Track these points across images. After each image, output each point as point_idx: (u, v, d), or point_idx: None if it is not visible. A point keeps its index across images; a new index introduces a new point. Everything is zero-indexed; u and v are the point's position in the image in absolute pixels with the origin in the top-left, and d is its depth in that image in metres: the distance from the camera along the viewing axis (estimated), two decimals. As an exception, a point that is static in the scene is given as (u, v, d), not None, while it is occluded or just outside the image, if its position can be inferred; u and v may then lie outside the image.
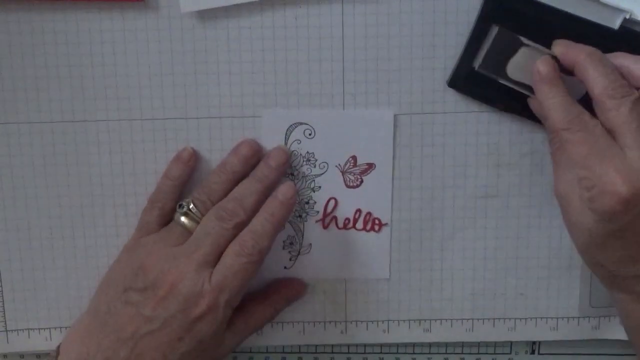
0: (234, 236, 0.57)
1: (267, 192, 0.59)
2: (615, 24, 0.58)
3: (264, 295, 0.63)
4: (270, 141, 0.61)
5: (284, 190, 0.59)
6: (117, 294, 0.58)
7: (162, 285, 0.56)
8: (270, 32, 0.60)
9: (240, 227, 0.57)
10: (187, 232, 0.59)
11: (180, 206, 0.59)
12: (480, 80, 0.59)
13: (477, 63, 0.59)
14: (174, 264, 0.56)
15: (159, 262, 0.57)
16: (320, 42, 0.60)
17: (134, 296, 0.57)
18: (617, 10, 0.57)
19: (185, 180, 0.61)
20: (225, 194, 0.59)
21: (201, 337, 0.56)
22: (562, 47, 0.56)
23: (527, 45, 0.57)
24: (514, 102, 0.60)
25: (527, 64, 0.57)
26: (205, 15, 0.59)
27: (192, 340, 0.56)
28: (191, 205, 0.59)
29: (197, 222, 0.58)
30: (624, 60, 0.55)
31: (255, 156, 0.60)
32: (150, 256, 0.58)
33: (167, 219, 0.60)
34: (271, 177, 0.59)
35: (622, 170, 0.50)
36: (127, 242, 0.61)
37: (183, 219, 0.59)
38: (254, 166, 0.60)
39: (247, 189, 0.59)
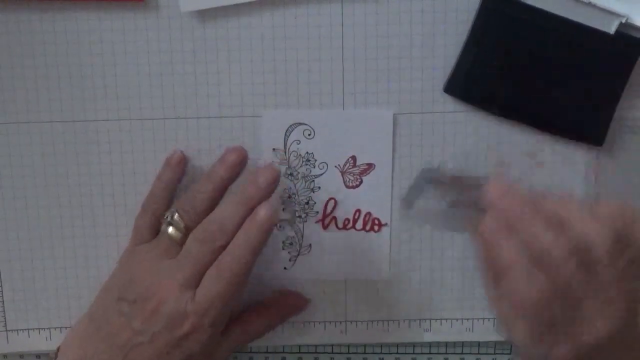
0: (215, 258, 0.56)
1: (252, 208, 0.57)
2: (611, 28, 0.58)
3: (263, 307, 0.63)
4: (270, 141, 0.61)
5: (262, 212, 0.56)
6: (111, 301, 0.58)
7: (149, 301, 0.56)
8: (270, 32, 0.60)
9: (221, 250, 0.56)
10: (175, 243, 0.58)
11: (165, 216, 0.59)
12: (476, 86, 0.60)
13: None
14: (160, 281, 0.56)
15: (148, 276, 0.57)
16: (320, 42, 0.60)
17: (125, 307, 0.57)
18: (613, 14, 0.58)
19: (175, 184, 0.61)
20: (211, 204, 0.58)
21: (190, 352, 0.56)
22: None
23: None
24: (511, 107, 0.60)
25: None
26: (205, 15, 0.59)
27: (181, 355, 0.56)
28: (175, 215, 0.58)
29: (182, 233, 0.58)
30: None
31: (242, 163, 0.60)
32: (141, 268, 0.58)
33: (159, 224, 0.60)
34: (257, 198, 0.56)
35: None
36: (126, 247, 0.61)
37: (170, 229, 0.58)
38: (240, 173, 0.60)
39: (231, 211, 0.56)
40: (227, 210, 0.57)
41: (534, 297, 0.47)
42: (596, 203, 0.49)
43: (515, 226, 0.48)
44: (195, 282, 0.56)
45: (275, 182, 0.57)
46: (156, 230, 0.60)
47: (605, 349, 0.48)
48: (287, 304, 0.64)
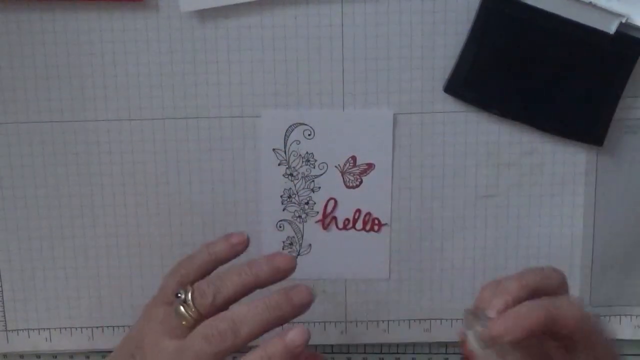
0: (214, 357, 0.51)
1: (276, 324, 0.51)
2: (611, 28, 0.58)
3: None
4: (270, 141, 0.61)
5: (294, 336, 0.49)
6: (126, 355, 0.56)
7: None
8: (270, 32, 0.60)
9: (226, 353, 0.51)
10: (184, 324, 0.53)
11: (179, 294, 0.54)
12: (476, 86, 0.60)
13: None
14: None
15: (152, 353, 0.54)
16: (319, 42, 0.60)
17: None
18: (613, 14, 0.58)
19: (220, 263, 0.56)
20: (233, 299, 0.53)
21: None
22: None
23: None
24: (510, 108, 0.60)
25: None
26: (205, 15, 0.59)
27: None
28: (189, 296, 0.53)
29: (193, 318, 0.53)
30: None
31: (288, 271, 0.54)
32: (149, 340, 0.55)
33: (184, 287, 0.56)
34: (284, 313, 0.51)
35: None
36: (149, 301, 0.58)
37: (181, 309, 0.53)
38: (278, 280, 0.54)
39: (251, 316, 0.50)
40: (247, 313, 0.51)
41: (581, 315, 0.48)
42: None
43: None
44: None
45: (309, 304, 0.52)
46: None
47: None
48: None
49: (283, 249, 0.64)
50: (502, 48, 0.59)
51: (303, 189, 0.63)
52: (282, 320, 0.51)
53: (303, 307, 0.51)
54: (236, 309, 0.51)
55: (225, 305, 0.53)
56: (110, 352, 0.64)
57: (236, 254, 0.56)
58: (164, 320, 0.54)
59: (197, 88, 0.61)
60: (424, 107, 0.61)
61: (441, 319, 0.65)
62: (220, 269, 0.56)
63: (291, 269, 0.53)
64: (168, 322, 0.54)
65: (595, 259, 0.64)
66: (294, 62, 0.60)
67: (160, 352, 0.54)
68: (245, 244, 0.56)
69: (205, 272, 0.56)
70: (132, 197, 0.62)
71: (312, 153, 0.62)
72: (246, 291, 0.53)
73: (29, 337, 0.65)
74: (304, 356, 0.55)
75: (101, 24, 0.59)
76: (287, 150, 0.62)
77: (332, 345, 0.67)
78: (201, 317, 0.53)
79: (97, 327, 0.65)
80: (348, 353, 0.67)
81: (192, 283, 0.54)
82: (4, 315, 0.64)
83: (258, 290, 0.54)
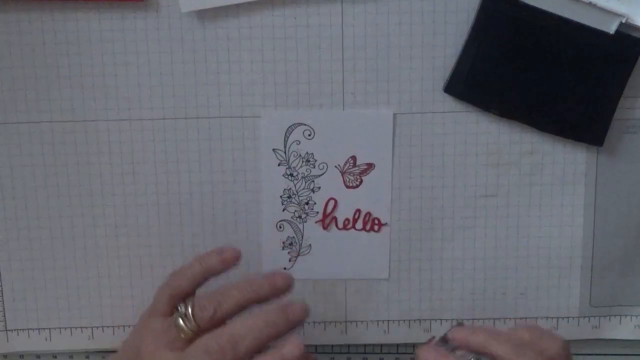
0: None
1: (272, 339, 0.54)
2: (611, 28, 0.58)
3: None
4: (270, 141, 0.61)
5: (291, 349, 0.52)
6: None
7: None
8: (270, 32, 0.60)
9: None
10: (183, 337, 0.54)
11: (179, 308, 0.55)
12: (476, 87, 0.60)
13: None
14: None
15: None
16: (320, 42, 0.60)
17: None
18: (613, 14, 0.58)
19: (212, 276, 0.57)
20: (232, 314, 0.55)
21: None
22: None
23: None
24: (510, 108, 0.60)
25: None
26: (205, 15, 0.59)
27: None
28: (189, 311, 0.54)
29: (193, 331, 0.54)
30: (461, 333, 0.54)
31: (284, 289, 0.56)
32: (146, 351, 0.55)
33: (176, 301, 0.57)
34: (282, 328, 0.53)
35: None
36: (143, 313, 0.59)
37: (180, 322, 0.54)
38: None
39: (250, 331, 0.52)
40: (246, 328, 0.53)
41: None
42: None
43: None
44: None
45: (303, 322, 0.54)
46: (173, 306, 0.56)
47: None
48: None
49: (283, 249, 0.64)
50: (502, 48, 0.59)
51: (303, 189, 0.63)
52: (278, 335, 0.53)
53: (298, 324, 0.54)
54: (236, 325, 0.53)
55: (223, 321, 0.54)
56: (110, 352, 0.64)
57: (228, 268, 0.57)
58: (161, 332, 0.55)
59: (197, 88, 0.61)
60: (424, 107, 0.61)
61: (441, 319, 0.65)
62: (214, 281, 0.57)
63: (289, 288, 0.56)
64: (166, 334, 0.55)
65: (595, 259, 0.64)
66: (294, 62, 0.60)
67: (156, 356, 0.54)
68: (237, 259, 0.57)
69: (197, 285, 0.57)
70: (132, 197, 0.62)
71: (312, 153, 0.62)
72: (244, 307, 0.55)
73: (29, 337, 0.65)
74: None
75: (101, 24, 0.59)
76: (287, 151, 0.62)
77: (332, 345, 0.67)
78: (200, 331, 0.54)
79: (97, 327, 0.65)
80: (348, 353, 0.67)
81: (185, 295, 0.56)
82: (4, 315, 0.64)
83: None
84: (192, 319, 0.54)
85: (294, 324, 0.54)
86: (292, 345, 0.52)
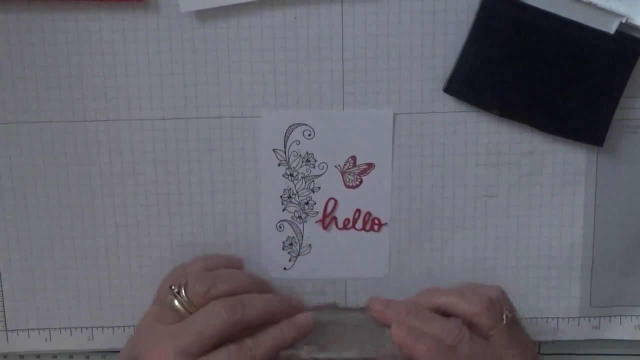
0: (220, 333, 0.54)
1: (279, 317, 0.58)
2: (611, 28, 0.58)
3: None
4: (270, 141, 0.61)
5: (303, 319, 0.58)
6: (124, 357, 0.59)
7: None
8: (270, 32, 0.60)
9: (231, 326, 0.54)
10: (178, 315, 0.56)
11: (172, 287, 0.56)
12: (476, 86, 0.60)
13: None
14: (157, 344, 0.55)
15: (148, 340, 0.56)
16: (319, 42, 0.60)
17: None
18: (613, 14, 0.58)
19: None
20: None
21: None
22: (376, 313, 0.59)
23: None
24: (510, 108, 0.60)
25: None
26: (205, 15, 0.59)
27: None
28: (182, 291, 0.56)
29: (186, 310, 0.56)
30: (447, 297, 0.59)
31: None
32: (145, 332, 0.57)
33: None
34: (290, 311, 0.58)
35: None
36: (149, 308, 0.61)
37: (175, 302, 0.56)
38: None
39: (261, 301, 0.56)
40: (256, 298, 0.57)
41: None
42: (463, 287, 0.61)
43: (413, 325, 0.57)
44: (196, 351, 0.54)
45: (308, 333, 0.59)
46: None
47: None
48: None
49: (283, 249, 0.64)
50: (502, 48, 0.59)
51: (303, 189, 0.63)
52: (284, 316, 0.57)
53: (305, 334, 0.58)
54: (247, 294, 0.56)
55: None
56: (110, 352, 0.64)
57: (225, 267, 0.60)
58: (159, 315, 0.57)
59: (197, 88, 0.61)
60: (424, 107, 0.61)
61: (441, 319, 0.65)
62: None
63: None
64: (163, 315, 0.56)
65: (595, 259, 0.64)
66: (294, 62, 0.60)
67: (158, 336, 0.55)
68: (238, 266, 0.61)
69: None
70: (132, 197, 0.62)
71: (312, 153, 0.62)
72: (239, 293, 0.56)
73: (29, 337, 0.65)
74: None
75: (101, 24, 0.59)
76: (287, 151, 0.62)
77: (332, 346, 0.67)
78: (193, 308, 0.55)
79: (97, 327, 0.65)
80: (348, 353, 0.67)
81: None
82: (4, 315, 0.64)
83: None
84: (185, 296, 0.55)
85: (305, 335, 0.58)
86: (305, 315, 0.58)
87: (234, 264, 0.61)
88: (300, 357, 0.58)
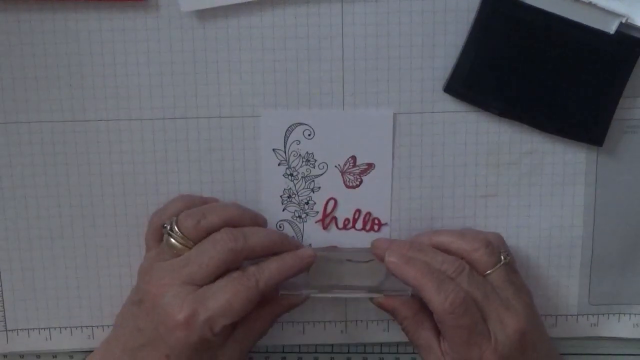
0: (223, 262, 0.55)
1: (281, 250, 0.58)
2: (611, 28, 0.58)
3: (262, 302, 0.60)
4: (270, 141, 0.61)
5: (305, 251, 0.58)
6: (126, 307, 0.58)
7: (149, 297, 0.56)
8: (270, 32, 0.60)
9: (233, 255, 0.55)
10: (176, 251, 0.56)
11: (165, 225, 0.57)
12: (476, 86, 0.60)
13: None
14: (161, 277, 0.55)
15: (151, 276, 0.56)
16: (319, 42, 0.60)
17: (134, 309, 0.57)
18: (613, 14, 0.58)
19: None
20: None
21: (186, 356, 0.55)
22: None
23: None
24: (511, 108, 0.60)
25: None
26: (205, 15, 0.59)
27: (179, 358, 0.55)
28: (175, 228, 0.56)
29: (181, 244, 0.56)
30: (447, 236, 0.60)
31: (260, 223, 0.60)
32: (147, 271, 0.57)
33: (161, 233, 0.59)
34: (291, 246, 0.59)
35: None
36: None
37: (171, 240, 0.56)
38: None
39: (262, 232, 0.57)
40: (259, 230, 0.57)
41: (447, 307, 0.54)
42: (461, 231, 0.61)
43: (411, 256, 0.58)
44: (199, 279, 0.55)
45: (310, 264, 0.59)
46: (160, 238, 0.58)
47: (522, 344, 0.56)
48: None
49: (283, 248, 0.64)
50: (502, 48, 0.59)
51: (303, 189, 0.63)
52: (286, 250, 0.58)
53: (309, 265, 0.58)
54: (249, 227, 0.57)
55: (209, 233, 0.56)
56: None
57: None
58: (158, 255, 0.57)
59: (197, 88, 0.61)
60: (424, 107, 0.61)
61: (441, 319, 0.65)
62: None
63: (262, 221, 0.60)
64: (162, 255, 0.57)
65: (595, 258, 0.64)
66: (294, 62, 0.60)
67: (163, 269, 0.56)
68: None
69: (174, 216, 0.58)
70: (132, 197, 0.62)
71: (312, 153, 0.62)
72: (228, 224, 0.57)
73: (29, 337, 0.65)
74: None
75: (101, 24, 0.59)
76: (287, 150, 0.62)
77: (332, 345, 0.67)
78: (189, 242, 0.56)
79: (97, 327, 0.65)
80: (348, 353, 0.67)
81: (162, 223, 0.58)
82: (4, 315, 0.64)
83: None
84: (178, 230, 0.56)
85: (309, 265, 0.58)
86: (307, 248, 0.59)
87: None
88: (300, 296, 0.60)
